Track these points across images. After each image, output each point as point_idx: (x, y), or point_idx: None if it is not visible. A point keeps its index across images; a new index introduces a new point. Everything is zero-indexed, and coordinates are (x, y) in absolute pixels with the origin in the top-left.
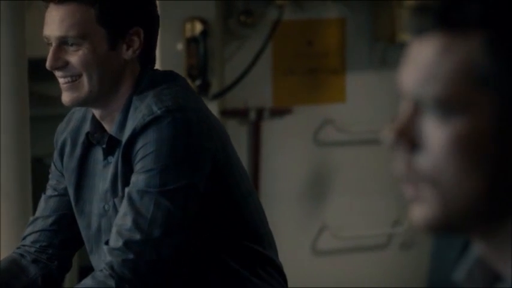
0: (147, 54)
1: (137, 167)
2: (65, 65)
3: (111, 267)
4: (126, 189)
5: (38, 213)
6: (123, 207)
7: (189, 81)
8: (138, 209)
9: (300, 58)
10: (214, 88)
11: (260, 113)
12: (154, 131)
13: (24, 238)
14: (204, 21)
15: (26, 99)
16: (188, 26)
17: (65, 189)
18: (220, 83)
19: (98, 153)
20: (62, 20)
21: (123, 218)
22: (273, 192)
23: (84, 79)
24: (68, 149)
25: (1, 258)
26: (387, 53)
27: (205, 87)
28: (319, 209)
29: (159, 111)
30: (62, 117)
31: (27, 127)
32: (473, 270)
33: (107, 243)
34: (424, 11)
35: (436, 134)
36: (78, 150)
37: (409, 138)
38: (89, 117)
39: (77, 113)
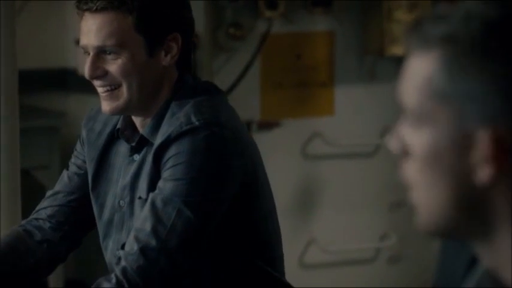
0: (184, 59)
1: (166, 173)
2: (104, 74)
3: (124, 273)
4: (151, 195)
5: (59, 188)
6: (145, 211)
7: None
8: (160, 216)
9: (289, 71)
10: None
11: (248, 126)
12: (190, 142)
13: (37, 211)
14: None
15: (16, 110)
16: None
17: None
18: None
19: (121, 147)
20: (100, 29)
21: (143, 222)
22: None
23: (124, 88)
24: (93, 136)
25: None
26: (376, 66)
27: None
28: (307, 222)
29: (197, 123)
30: (49, 129)
31: (17, 139)
32: (482, 282)
33: (122, 247)
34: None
35: (411, 143)
36: (102, 140)
37: (402, 147)
38: None
39: None
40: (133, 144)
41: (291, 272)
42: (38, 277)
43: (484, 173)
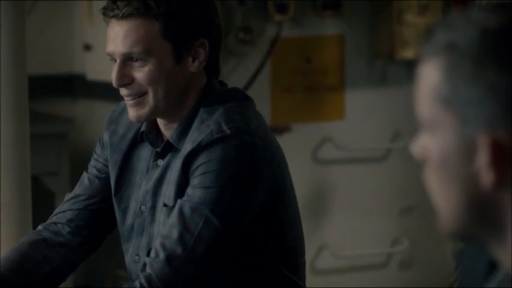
0: (212, 64)
1: (195, 181)
2: (131, 82)
3: (149, 281)
4: (179, 201)
5: (79, 191)
6: (172, 218)
7: None
8: (187, 223)
9: (299, 75)
10: None
11: None
12: (220, 150)
13: (55, 214)
14: None
15: (26, 116)
16: None
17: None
18: None
19: (143, 151)
20: (126, 36)
21: (170, 229)
22: None
23: (150, 95)
24: (116, 139)
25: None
26: (386, 70)
27: None
28: (318, 227)
29: (228, 131)
30: (57, 135)
31: (28, 144)
32: (503, 283)
33: (148, 254)
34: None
35: (427, 149)
36: (125, 144)
37: (422, 153)
38: None
39: None
40: (159, 149)
41: None
42: (53, 285)
43: (487, 178)
